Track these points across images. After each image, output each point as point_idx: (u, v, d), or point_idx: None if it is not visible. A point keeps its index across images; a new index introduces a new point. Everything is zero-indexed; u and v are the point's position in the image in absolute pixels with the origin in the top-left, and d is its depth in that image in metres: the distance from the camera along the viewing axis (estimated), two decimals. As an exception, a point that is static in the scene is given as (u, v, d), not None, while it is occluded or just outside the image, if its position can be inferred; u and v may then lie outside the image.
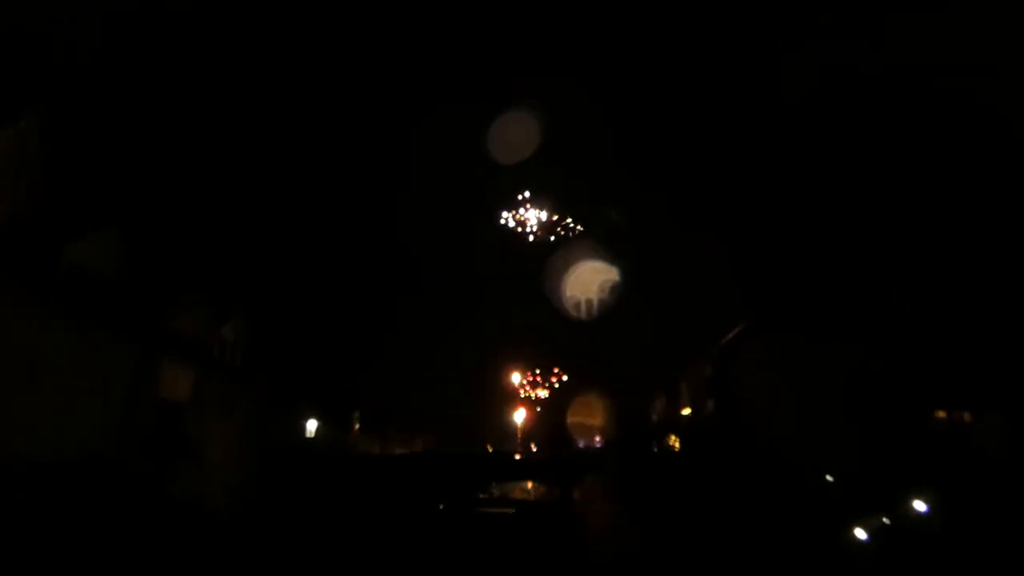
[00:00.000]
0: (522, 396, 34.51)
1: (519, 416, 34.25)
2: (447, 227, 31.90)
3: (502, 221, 33.25)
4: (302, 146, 27.53)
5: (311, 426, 25.77)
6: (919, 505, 18.96)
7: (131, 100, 21.97)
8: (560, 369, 32.70)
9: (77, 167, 19.21)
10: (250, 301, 25.39)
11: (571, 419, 29.54)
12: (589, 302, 30.84)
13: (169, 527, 15.38)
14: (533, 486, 28.98)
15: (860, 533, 18.86)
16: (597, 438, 30.35)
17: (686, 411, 26.03)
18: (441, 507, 24.65)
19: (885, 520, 19.11)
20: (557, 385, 32.90)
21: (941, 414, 21.54)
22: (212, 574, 14.36)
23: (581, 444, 29.13)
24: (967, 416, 20.98)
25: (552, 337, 33.04)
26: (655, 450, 25.58)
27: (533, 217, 33.23)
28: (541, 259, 32.36)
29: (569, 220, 32.18)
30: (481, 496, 26.21)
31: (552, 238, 32.50)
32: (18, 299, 14.53)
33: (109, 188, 20.50)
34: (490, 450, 32.32)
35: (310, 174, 28.07)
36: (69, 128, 17.78)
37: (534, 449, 32.85)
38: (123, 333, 17.71)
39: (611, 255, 28.80)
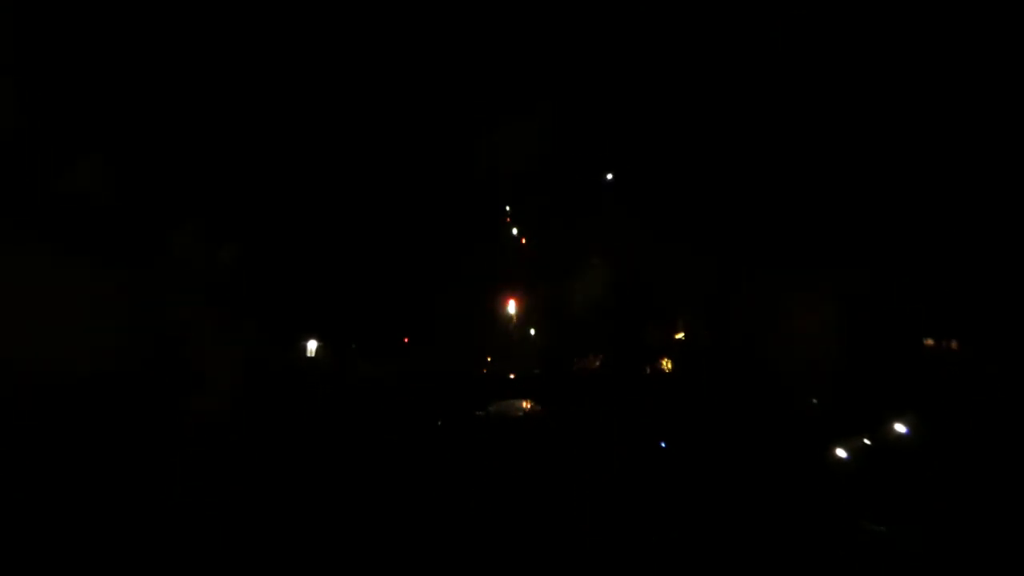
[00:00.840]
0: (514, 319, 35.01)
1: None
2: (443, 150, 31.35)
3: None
4: (298, 65, 26.81)
5: (311, 347, 26.42)
6: (900, 427, 19.55)
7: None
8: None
9: (62, 88, 18.96)
10: (248, 226, 25.47)
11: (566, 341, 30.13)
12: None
13: (174, 445, 16.06)
14: (528, 404, 29.86)
15: (841, 452, 19.52)
16: (596, 362, 30.99)
17: (679, 336, 26.56)
18: (439, 423, 25.48)
19: (866, 441, 19.77)
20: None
21: (929, 342, 21.94)
22: (219, 488, 14.99)
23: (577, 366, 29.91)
24: (954, 344, 21.37)
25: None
26: (647, 372, 26.33)
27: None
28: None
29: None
30: (477, 414, 27.08)
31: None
32: (10, 226, 14.69)
33: (98, 109, 20.28)
34: (488, 362, 33.27)
35: (307, 93, 27.45)
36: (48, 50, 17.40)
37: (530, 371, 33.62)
38: (118, 258, 17.92)
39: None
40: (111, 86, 20.44)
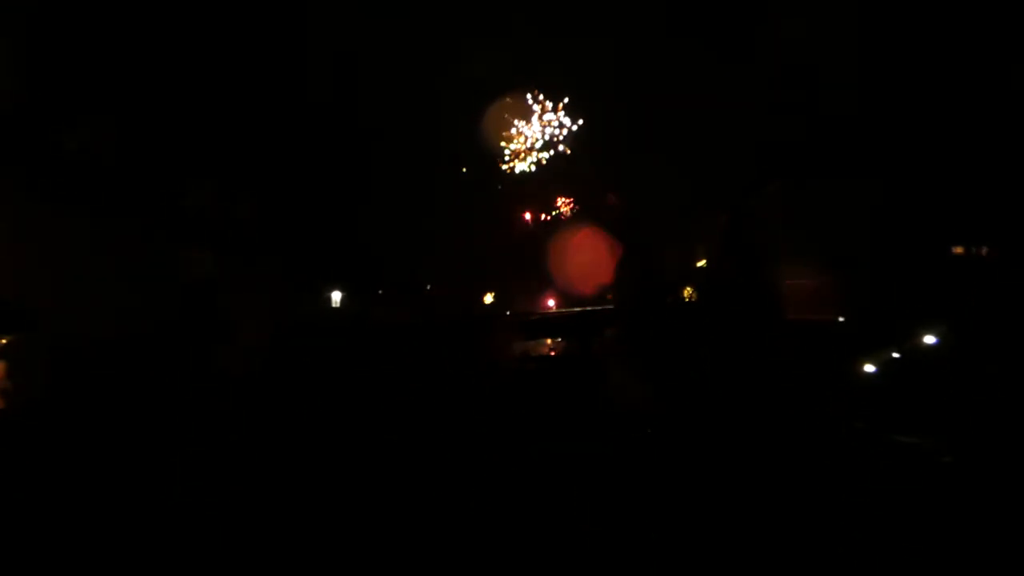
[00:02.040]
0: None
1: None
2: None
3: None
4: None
5: (336, 297, 26.69)
6: (929, 338, 19.31)
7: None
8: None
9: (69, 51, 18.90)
10: (263, 179, 25.55)
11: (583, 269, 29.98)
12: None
13: (205, 397, 16.43)
14: (554, 343, 29.99)
15: (869, 367, 19.38)
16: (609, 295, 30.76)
17: (701, 263, 26.23)
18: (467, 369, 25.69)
19: (895, 354, 19.59)
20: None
21: (959, 250, 21.43)
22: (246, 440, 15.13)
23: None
24: (984, 251, 20.85)
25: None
26: (669, 301, 26.14)
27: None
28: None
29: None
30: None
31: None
32: (29, 187, 14.88)
33: (108, 71, 20.22)
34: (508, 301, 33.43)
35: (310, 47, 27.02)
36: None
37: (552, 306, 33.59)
38: (137, 217, 18.12)
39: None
40: (137, 47, 20.36)
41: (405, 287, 29.83)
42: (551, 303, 33.08)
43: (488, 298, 34.72)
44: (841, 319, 21.27)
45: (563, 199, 33.12)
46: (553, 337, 30.45)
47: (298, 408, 16.83)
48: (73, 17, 18.57)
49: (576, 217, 31.55)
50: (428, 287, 33.27)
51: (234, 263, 21.55)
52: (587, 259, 29.35)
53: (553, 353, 30.74)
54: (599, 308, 28.70)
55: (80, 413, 14.31)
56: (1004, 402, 15.57)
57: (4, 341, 15.32)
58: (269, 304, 22.02)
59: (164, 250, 19.28)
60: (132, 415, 14.74)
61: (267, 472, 12.42)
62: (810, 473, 13.19)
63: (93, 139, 17.74)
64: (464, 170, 32.73)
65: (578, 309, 29.44)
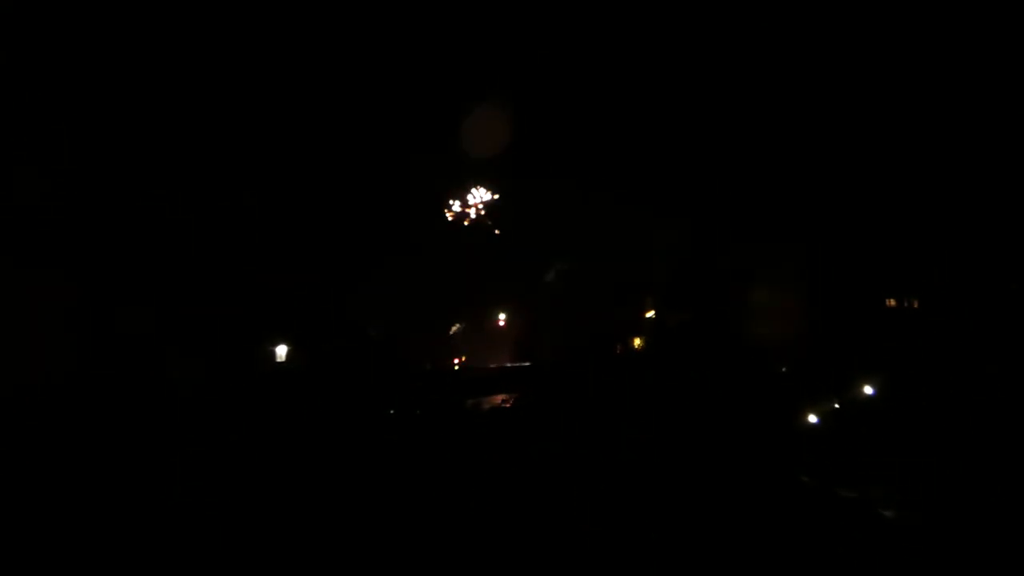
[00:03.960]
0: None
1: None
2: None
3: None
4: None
5: (281, 351, 25.99)
6: (867, 389, 20.00)
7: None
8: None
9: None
10: (207, 230, 24.86)
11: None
12: None
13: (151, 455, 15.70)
14: (502, 397, 29.91)
15: (812, 418, 19.90)
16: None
17: (649, 314, 26.71)
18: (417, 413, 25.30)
19: (836, 405, 20.18)
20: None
21: (891, 302, 22.42)
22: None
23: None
24: (915, 303, 21.87)
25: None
26: (617, 352, 26.48)
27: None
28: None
29: None
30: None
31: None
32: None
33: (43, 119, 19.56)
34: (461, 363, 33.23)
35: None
36: None
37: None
38: (72, 272, 17.45)
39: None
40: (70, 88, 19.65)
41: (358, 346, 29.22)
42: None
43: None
44: (784, 369, 21.88)
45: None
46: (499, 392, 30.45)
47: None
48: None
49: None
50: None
51: (177, 318, 20.83)
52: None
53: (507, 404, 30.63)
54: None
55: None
56: (943, 450, 16.14)
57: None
58: (211, 360, 21.32)
59: (100, 306, 18.54)
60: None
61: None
62: (758, 525, 13.35)
63: (30, 189, 17.09)
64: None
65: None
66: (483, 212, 31.63)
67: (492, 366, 31.27)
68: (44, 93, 18.72)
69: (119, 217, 20.91)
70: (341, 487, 15.23)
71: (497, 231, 31.42)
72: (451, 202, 31.70)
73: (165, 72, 22.18)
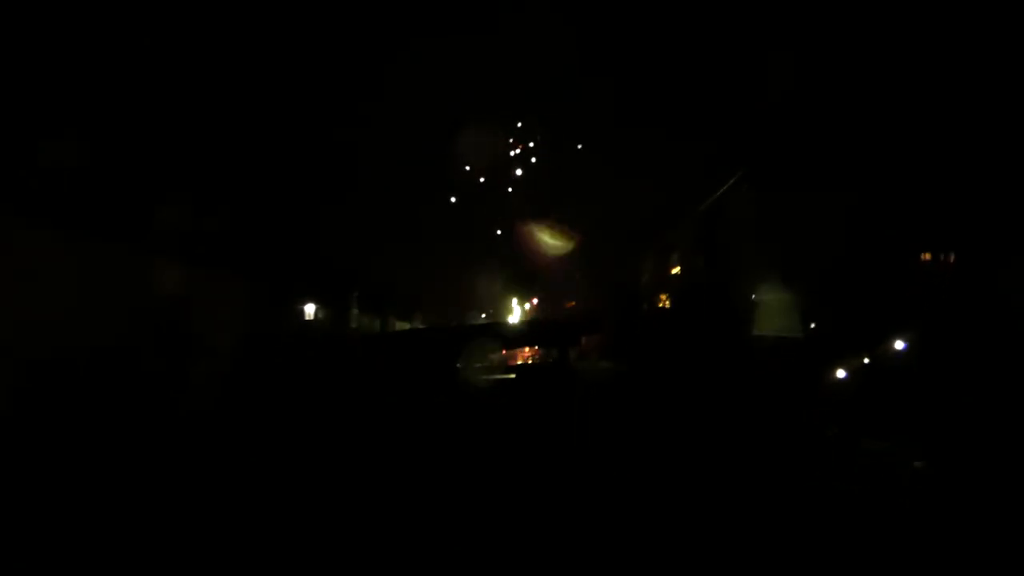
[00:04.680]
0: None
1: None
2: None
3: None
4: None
5: (310, 310, 26.43)
6: (898, 344, 19.63)
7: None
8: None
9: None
10: (234, 193, 25.19)
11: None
12: None
13: (178, 414, 16.17)
14: (531, 351, 30.12)
15: (840, 372, 19.66)
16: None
17: (675, 270, 26.48)
18: (442, 377, 25.63)
19: (865, 360, 19.88)
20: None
21: (926, 256, 21.83)
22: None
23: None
24: (951, 257, 21.25)
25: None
26: (645, 309, 26.33)
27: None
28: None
29: None
30: (479, 366, 27.27)
31: None
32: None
33: (73, 86, 19.83)
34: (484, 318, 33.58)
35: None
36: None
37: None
38: (104, 233, 17.81)
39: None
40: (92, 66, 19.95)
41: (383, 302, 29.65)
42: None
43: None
44: (812, 325, 21.57)
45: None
46: (531, 345, 30.55)
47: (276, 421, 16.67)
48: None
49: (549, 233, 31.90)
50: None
51: (206, 279, 21.23)
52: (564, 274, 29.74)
53: (531, 361, 30.81)
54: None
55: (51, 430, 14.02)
56: (973, 406, 15.86)
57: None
58: (242, 320, 21.76)
59: (132, 266, 18.94)
60: (100, 433, 14.46)
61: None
62: (785, 478, 13.33)
63: (58, 154, 17.35)
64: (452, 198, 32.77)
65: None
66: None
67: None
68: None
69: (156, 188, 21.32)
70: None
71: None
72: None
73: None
